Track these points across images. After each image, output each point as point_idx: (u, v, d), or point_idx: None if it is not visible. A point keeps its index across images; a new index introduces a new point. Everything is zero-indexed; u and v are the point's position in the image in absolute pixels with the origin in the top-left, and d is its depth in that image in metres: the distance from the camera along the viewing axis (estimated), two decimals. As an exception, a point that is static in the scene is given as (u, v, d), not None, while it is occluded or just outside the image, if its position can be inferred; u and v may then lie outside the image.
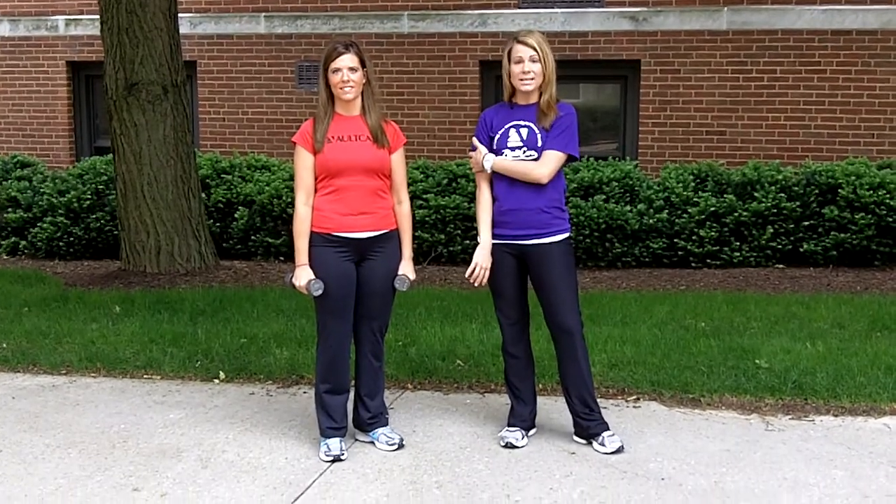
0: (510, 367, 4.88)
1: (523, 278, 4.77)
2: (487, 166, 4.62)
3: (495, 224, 4.68)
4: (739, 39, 10.44)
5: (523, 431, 4.82)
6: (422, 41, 11.14)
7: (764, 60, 10.41)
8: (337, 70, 4.46)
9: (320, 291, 4.46)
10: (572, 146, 4.64)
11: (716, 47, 10.49)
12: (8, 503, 4.13)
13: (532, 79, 4.59)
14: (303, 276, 4.48)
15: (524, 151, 4.62)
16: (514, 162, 4.60)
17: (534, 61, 4.57)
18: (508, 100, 4.74)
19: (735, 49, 10.45)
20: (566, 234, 4.68)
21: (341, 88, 4.49)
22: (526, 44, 4.58)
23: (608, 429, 4.72)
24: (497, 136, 4.68)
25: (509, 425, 4.86)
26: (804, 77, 10.35)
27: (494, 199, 4.70)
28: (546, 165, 4.57)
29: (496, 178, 4.69)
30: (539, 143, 4.60)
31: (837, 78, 10.29)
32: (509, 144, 4.64)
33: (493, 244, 4.71)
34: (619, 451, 4.63)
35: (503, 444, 4.74)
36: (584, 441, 4.75)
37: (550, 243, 4.62)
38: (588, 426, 4.73)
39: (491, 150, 4.71)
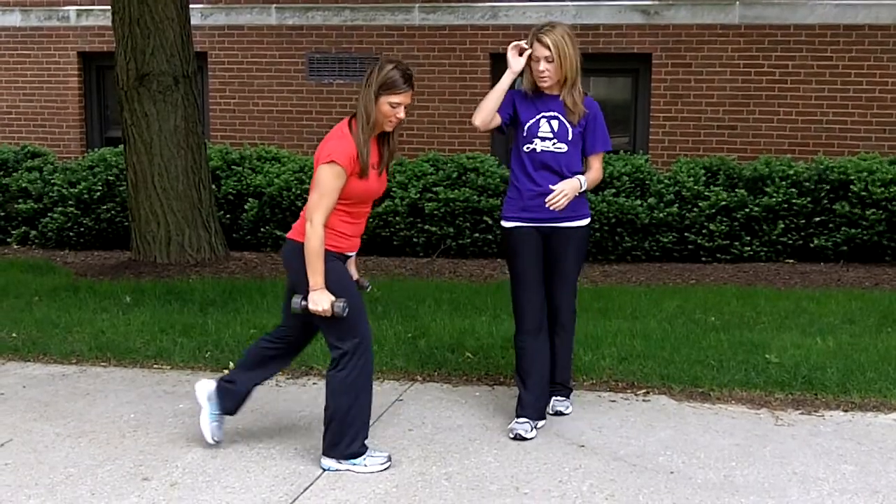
0: (523, 355, 4.86)
1: (543, 265, 4.89)
2: (585, 187, 4.74)
3: (524, 209, 4.79)
4: (751, 34, 10.40)
5: (532, 423, 4.82)
6: (433, 33, 11.12)
7: (776, 55, 10.37)
8: (398, 104, 4.23)
9: (348, 309, 4.19)
10: (609, 140, 4.94)
11: (728, 41, 10.46)
12: (19, 491, 4.15)
13: (548, 77, 4.73)
14: (324, 299, 4.14)
15: (553, 143, 4.76)
16: (590, 177, 4.82)
17: (549, 62, 4.69)
18: (533, 88, 4.82)
19: (747, 43, 10.42)
20: (588, 220, 4.90)
21: (390, 120, 4.27)
22: (542, 43, 4.69)
23: (561, 395, 5.13)
24: (528, 124, 4.78)
25: (518, 416, 4.86)
26: (816, 72, 10.31)
27: (521, 184, 4.81)
28: (601, 169, 4.93)
29: (526, 160, 4.79)
30: (569, 137, 4.77)
31: (850, 73, 10.25)
32: (540, 134, 4.77)
33: (521, 227, 4.82)
34: (558, 414, 5.06)
35: (512, 436, 4.75)
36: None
37: (576, 227, 4.83)
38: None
39: (506, 120, 4.83)
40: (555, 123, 4.76)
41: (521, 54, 4.76)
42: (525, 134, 4.79)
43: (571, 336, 5.05)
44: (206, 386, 4.64)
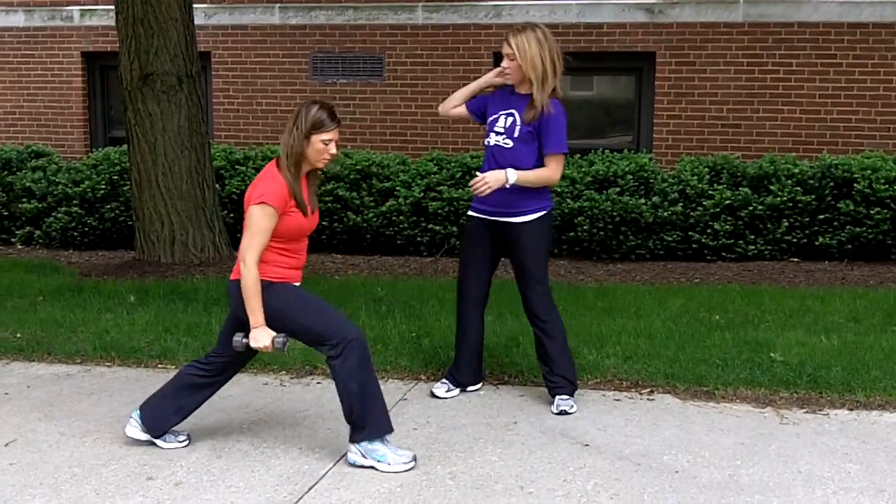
0: (458, 332, 5.37)
1: (493, 254, 5.18)
2: (512, 180, 4.87)
3: (476, 199, 5.11)
4: (755, 32, 10.39)
5: (449, 385, 5.37)
6: (436, 32, 11.12)
7: (780, 53, 10.36)
8: (329, 140, 4.34)
9: (288, 343, 4.29)
10: (565, 144, 4.99)
11: (731, 40, 10.45)
12: (23, 491, 4.15)
13: (509, 74, 4.99)
14: (264, 336, 4.23)
15: (503, 139, 5.01)
16: (530, 174, 4.93)
17: (511, 59, 4.94)
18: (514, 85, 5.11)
19: (751, 41, 10.41)
20: (539, 214, 5.02)
21: (325, 158, 4.37)
22: (507, 42, 4.96)
23: (565, 394, 5.12)
24: (490, 119, 5.09)
25: (442, 379, 5.45)
26: (820, 70, 10.30)
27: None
28: (555, 170, 4.98)
29: (486, 153, 5.11)
30: (516, 134, 4.97)
31: (854, 71, 10.24)
32: (495, 129, 5.06)
33: (472, 216, 5.16)
34: (562, 413, 5.06)
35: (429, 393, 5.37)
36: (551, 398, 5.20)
37: (521, 223, 5.01)
38: (550, 387, 5.20)
39: (474, 110, 5.22)
40: (509, 120, 5.00)
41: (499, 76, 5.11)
42: (488, 128, 5.10)
43: (556, 328, 5.12)
44: (134, 428, 4.64)
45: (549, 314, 5.12)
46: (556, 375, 5.12)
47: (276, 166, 4.34)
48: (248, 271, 4.20)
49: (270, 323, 4.27)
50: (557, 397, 5.11)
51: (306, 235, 4.47)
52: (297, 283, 4.48)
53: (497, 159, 5.00)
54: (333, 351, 4.30)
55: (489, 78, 5.18)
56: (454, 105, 5.26)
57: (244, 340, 4.28)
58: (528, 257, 5.04)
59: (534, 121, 4.92)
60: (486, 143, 5.11)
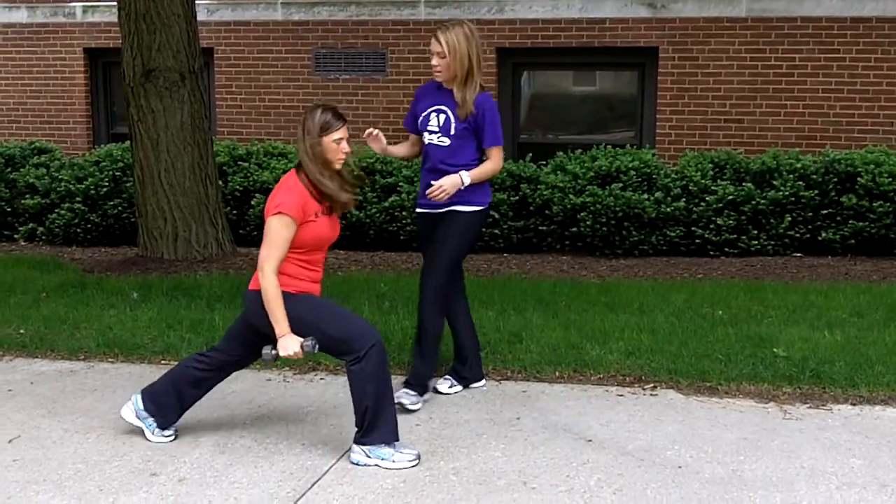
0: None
1: None
2: (467, 182, 4.91)
3: (420, 196, 5.12)
4: (758, 27, 10.37)
5: (453, 381, 5.37)
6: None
7: (783, 48, 10.35)
8: (340, 139, 4.39)
9: (317, 345, 4.28)
10: (501, 136, 5.05)
11: (734, 34, 10.43)
12: (27, 487, 4.16)
13: (440, 72, 5.00)
14: (292, 343, 4.22)
15: (438, 137, 5.01)
16: (479, 171, 4.97)
17: (441, 57, 4.97)
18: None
19: (754, 36, 10.39)
20: (476, 208, 5.03)
21: (339, 157, 4.41)
22: (436, 38, 4.99)
23: (413, 390, 5.06)
24: (421, 118, 5.07)
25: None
26: (823, 65, 10.28)
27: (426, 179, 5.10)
28: (498, 161, 5.05)
29: (425, 159, 5.10)
30: (452, 132, 4.98)
31: (857, 66, 10.22)
32: (429, 128, 5.05)
33: (420, 212, 5.16)
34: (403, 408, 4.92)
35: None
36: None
37: (462, 210, 5.01)
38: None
39: (416, 129, 5.14)
40: (442, 118, 5.00)
41: (375, 138, 5.06)
42: (419, 128, 5.10)
43: (429, 324, 5.04)
44: (130, 411, 4.68)
45: (430, 305, 5.03)
46: (414, 369, 5.13)
47: (296, 175, 4.35)
48: (268, 281, 4.20)
49: (293, 331, 4.26)
50: (402, 388, 5.06)
51: (326, 246, 4.46)
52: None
53: (435, 158, 5.02)
54: (355, 356, 4.29)
55: (375, 146, 5.10)
56: (410, 149, 5.30)
57: (273, 352, 4.28)
58: (447, 244, 4.99)
59: (469, 117, 4.93)
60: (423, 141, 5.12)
